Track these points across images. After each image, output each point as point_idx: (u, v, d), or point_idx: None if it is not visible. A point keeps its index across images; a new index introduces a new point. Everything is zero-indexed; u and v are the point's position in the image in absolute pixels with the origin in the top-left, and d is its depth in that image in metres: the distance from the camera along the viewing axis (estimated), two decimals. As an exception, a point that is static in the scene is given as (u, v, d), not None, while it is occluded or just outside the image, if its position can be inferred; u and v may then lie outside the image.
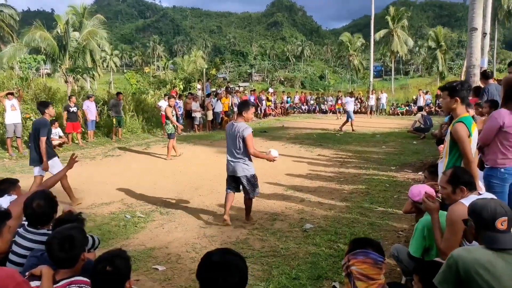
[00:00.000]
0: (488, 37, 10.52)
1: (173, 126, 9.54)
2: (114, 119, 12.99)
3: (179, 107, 14.49)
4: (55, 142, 9.26)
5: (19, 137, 10.18)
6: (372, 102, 23.42)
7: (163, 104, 13.87)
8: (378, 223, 4.75)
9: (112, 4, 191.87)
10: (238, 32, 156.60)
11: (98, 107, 13.79)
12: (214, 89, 19.31)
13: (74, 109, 11.67)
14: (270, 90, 29.14)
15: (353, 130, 14.80)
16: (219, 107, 16.55)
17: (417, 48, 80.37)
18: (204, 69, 19.43)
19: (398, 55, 47.59)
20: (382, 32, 43.88)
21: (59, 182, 5.24)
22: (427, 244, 2.72)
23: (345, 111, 16.39)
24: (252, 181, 4.78)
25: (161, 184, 7.04)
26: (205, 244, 4.23)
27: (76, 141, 11.95)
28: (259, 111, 20.74)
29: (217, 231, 4.64)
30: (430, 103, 22.91)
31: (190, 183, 7.09)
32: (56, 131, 10.70)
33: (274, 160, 4.89)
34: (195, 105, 15.75)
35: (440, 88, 14.34)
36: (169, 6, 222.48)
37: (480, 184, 3.27)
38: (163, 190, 6.61)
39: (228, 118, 16.52)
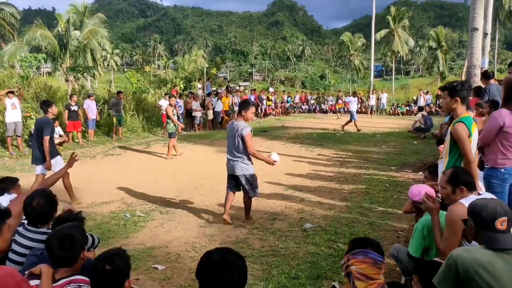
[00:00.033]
0: (489, 37, 10.51)
1: (174, 125, 9.55)
2: (114, 118, 13.00)
3: (179, 106, 14.49)
4: (55, 141, 9.25)
5: (20, 136, 10.20)
6: (372, 102, 23.40)
7: (163, 103, 13.87)
8: (378, 223, 4.75)
9: (113, 3, 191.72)
10: (239, 32, 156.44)
11: (99, 106, 13.80)
12: (214, 89, 19.29)
13: (75, 108, 11.68)
14: (271, 89, 29.16)
15: (358, 130, 14.65)
16: (220, 107, 16.55)
17: (418, 48, 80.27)
18: (205, 68, 19.40)
19: (399, 55, 47.52)
20: (383, 32, 43.83)
21: (61, 180, 5.26)
22: (427, 244, 2.72)
23: (348, 111, 16.34)
24: (251, 181, 4.78)
25: (161, 183, 7.05)
26: (204, 244, 4.23)
27: (77, 140, 11.96)
28: (259, 111, 20.74)
29: (217, 230, 4.64)
30: (430, 103, 22.91)
31: (190, 183, 7.09)
32: (57, 130, 10.70)
33: (273, 163, 4.88)
34: (195, 104, 15.75)
35: (440, 88, 14.33)
36: (170, 5, 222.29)
37: (480, 184, 3.27)
38: (163, 189, 6.62)
39: (229, 118, 16.53)
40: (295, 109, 25.60)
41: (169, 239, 4.40)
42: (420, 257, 2.73)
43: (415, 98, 25.80)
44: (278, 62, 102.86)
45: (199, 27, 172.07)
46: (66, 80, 16.84)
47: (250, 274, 3.38)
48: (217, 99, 16.52)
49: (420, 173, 6.99)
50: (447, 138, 3.23)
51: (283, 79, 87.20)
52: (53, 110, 5.88)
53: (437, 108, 21.66)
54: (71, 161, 3.90)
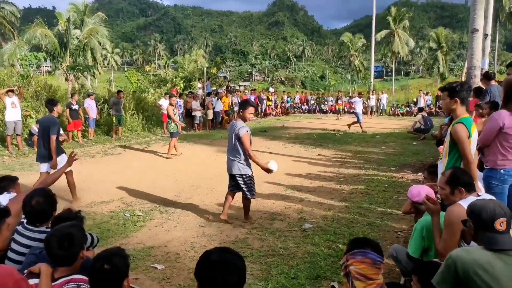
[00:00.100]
0: (489, 38, 10.51)
1: (175, 124, 9.55)
2: (114, 118, 12.99)
3: (179, 106, 14.48)
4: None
5: (19, 135, 10.19)
6: (372, 102, 23.42)
7: (163, 102, 13.86)
8: (377, 223, 4.76)
9: (113, 2, 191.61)
10: (239, 31, 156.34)
11: (99, 105, 13.79)
12: (214, 88, 19.29)
13: (76, 107, 11.69)
14: (271, 89, 29.15)
15: (364, 131, 14.61)
16: (220, 106, 16.55)
17: (418, 49, 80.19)
18: (205, 68, 19.40)
19: (399, 55, 47.53)
20: (383, 33, 43.83)
21: (64, 178, 5.27)
22: (426, 245, 2.72)
23: (354, 112, 16.30)
24: (248, 182, 4.77)
25: (161, 183, 7.04)
26: (204, 243, 4.23)
27: (76, 139, 11.96)
28: (259, 111, 20.74)
29: (216, 230, 4.64)
30: (430, 104, 22.92)
31: (190, 182, 7.09)
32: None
33: (270, 172, 4.81)
34: (195, 104, 15.74)
35: (440, 89, 14.30)
36: (171, 5, 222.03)
37: (480, 185, 3.27)
38: (162, 189, 6.62)
39: (228, 117, 16.53)
40: (295, 109, 25.61)
41: (169, 238, 4.40)
42: (419, 258, 2.74)
43: (415, 99, 25.83)
44: (278, 62, 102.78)
45: (199, 27, 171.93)
46: (66, 79, 16.82)
47: (249, 274, 3.38)
48: (217, 99, 16.52)
49: (420, 173, 6.99)
50: (447, 139, 3.23)
51: (283, 79, 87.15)
52: (58, 108, 5.91)
53: (437, 109, 21.66)
54: (70, 160, 3.92)
